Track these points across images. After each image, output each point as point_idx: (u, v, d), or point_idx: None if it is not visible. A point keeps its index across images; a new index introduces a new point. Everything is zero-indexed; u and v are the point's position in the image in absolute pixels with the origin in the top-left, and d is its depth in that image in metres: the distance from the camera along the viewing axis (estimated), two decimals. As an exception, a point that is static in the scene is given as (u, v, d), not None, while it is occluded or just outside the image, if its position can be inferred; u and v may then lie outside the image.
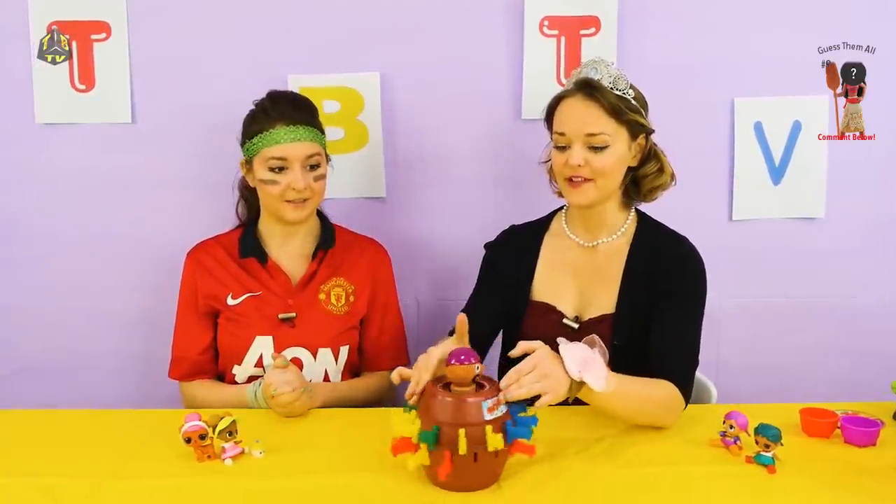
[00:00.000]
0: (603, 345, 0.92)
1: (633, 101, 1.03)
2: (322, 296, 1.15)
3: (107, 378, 1.41)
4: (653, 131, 1.07)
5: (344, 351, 1.16)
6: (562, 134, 1.04)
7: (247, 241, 1.17)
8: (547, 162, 1.13)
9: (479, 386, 0.82)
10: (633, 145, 1.05)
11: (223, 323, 1.15)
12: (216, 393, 1.14)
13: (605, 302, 1.06)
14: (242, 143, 1.14)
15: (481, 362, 0.81)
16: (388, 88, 1.35)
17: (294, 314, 1.13)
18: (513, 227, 1.17)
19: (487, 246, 1.17)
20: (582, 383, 0.85)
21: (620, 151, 1.03)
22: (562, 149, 1.05)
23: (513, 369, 0.83)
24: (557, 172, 1.07)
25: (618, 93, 1.02)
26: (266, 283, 1.15)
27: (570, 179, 1.04)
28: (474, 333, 0.93)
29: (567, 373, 0.84)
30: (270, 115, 1.11)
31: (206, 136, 1.36)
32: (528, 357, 0.85)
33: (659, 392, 0.96)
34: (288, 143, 1.09)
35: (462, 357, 0.80)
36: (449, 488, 0.80)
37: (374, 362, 1.21)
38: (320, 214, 1.22)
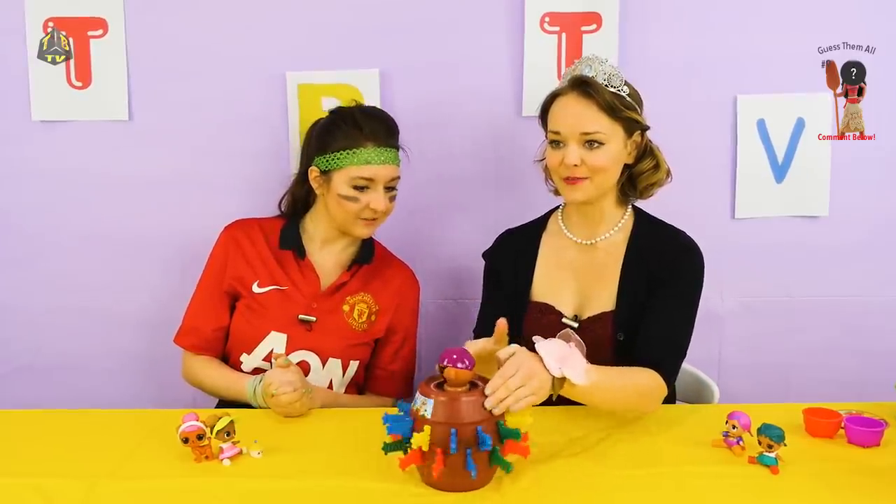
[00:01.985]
0: (579, 339, 0.92)
1: (627, 98, 1.03)
2: (346, 307, 1.15)
3: (103, 378, 1.40)
4: (648, 128, 1.06)
5: (353, 365, 1.15)
6: (557, 132, 1.03)
7: (289, 233, 1.17)
8: (541, 160, 1.12)
9: (473, 385, 0.81)
10: (629, 142, 1.05)
11: (242, 309, 1.14)
12: (218, 375, 1.13)
13: (604, 299, 1.05)
14: (321, 153, 1.11)
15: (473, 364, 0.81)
16: (388, 85, 1.34)
17: (314, 318, 1.13)
18: (508, 231, 1.17)
19: (486, 255, 1.16)
20: (563, 379, 0.85)
21: (616, 149, 1.03)
22: (557, 146, 1.04)
23: (497, 375, 0.82)
24: (553, 170, 1.06)
25: (612, 90, 1.02)
26: (295, 281, 1.15)
27: (566, 178, 1.04)
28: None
29: (547, 370, 0.84)
30: (364, 133, 1.09)
31: (203, 134, 1.35)
32: (510, 360, 0.83)
33: (638, 380, 0.96)
34: (378, 165, 1.09)
35: (455, 357, 0.80)
36: (442, 488, 0.80)
37: (379, 386, 1.21)
38: None
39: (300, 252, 1.16)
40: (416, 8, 1.32)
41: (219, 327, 1.15)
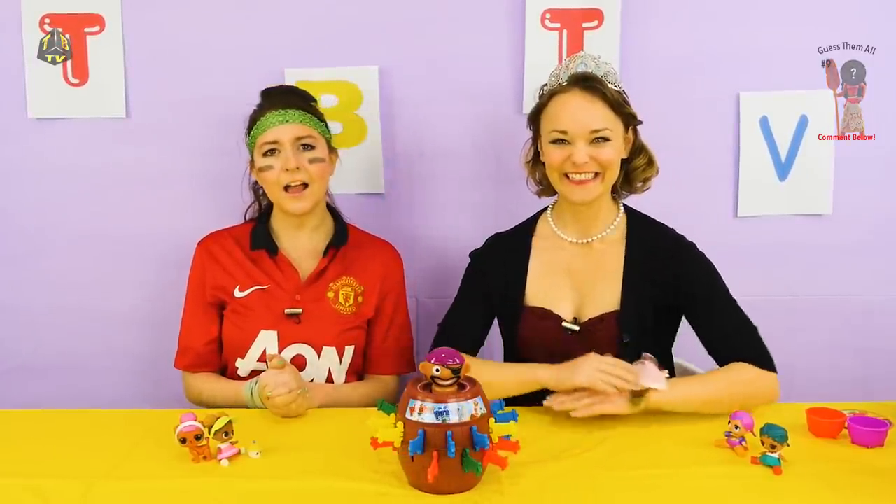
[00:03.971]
0: (651, 356, 0.96)
1: (625, 94, 1.04)
2: (330, 294, 1.14)
3: (100, 377, 1.39)
4: (641, 122, 1.06)
5: (349, 351, 1.15)
6: (563, 132, 1.02)
7: (258, 233, 1.17)
8: (528, 162, 1.12)
9: (461, 386, 0.80)
10: (626, 137, 1.05)
11: (229, 315, 1.14)
12: (217, 387, 1.13)
13: (606, 299, 1.04)
14: (246, 144, 1.17)
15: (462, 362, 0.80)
16: (387, 82, 1.33)
17: (300, 310, 1.12)
18: (497, 235, 1.15)
19: (473, 255, 1.14)
20: (642, 393, 0.92)
21: (619, 144, 1.04)
22: (561, 144, 1.03)
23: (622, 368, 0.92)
24: (555, 168, 1.05)
25: (611, 86, 1.02)
26: (274, 277, 1.15)
27: (566, 176, 1.03)
28: (463, 346, 0.92)
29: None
30: (262, 106, 1.14)
31: (201, 131, 1.35)
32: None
33: (735, 375, 0.97)
34: (278, 126, 1.11)
35: (443, 356, 0.79)
36: (432, 491, 0.79)
37: (376, 366, 1.20)
38: (333, 212, 1.22)
39: (271, 249, 1.16)
40: (416, 4, 1.31)
41: (210, 340, 1.16)
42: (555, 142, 1.03)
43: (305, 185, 1.11)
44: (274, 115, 1.11)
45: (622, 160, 1.06)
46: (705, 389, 0.96)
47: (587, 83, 1.01)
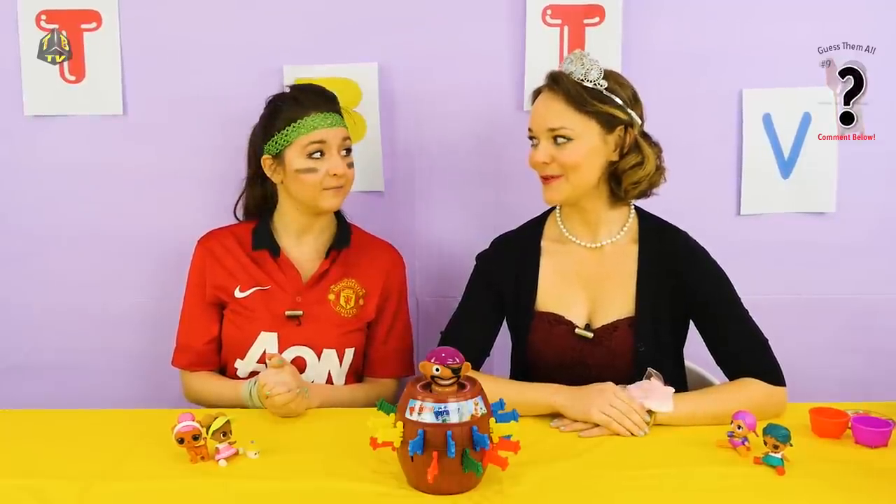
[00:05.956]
0: (657, 372, 0.95)
1: (604, 92, 0.98)
2: (331, 296, 1.14)
3: (98, 377, 1.38)
4: (631, 124, 1.00)
5: (349, 353, 1.14)
6: (530, 129, 1.02)
7: (260, 233, 1.16)
8: None
9: (461, 386, 0.80)
10: (609, 138, 1.00)
11: (229, 315, 1.14)
12: (216, 386, 1.13)
13: (619, 306, 1.02)
14: (268, 138, 1.12)
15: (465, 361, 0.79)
16: (387, 79, 1.32)
17: (301, 312, 1.12)
18: (504, 237, 1.12)
19: (480, 257, 1.12)
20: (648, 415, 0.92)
21: (591, 144, 0.99)
22: (533, 144, 1.03)
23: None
24: (533, 168, 1.03)
25: (588, 84, 0.98)
26: (276, 278, 1.14)
27: (542, 177, 1.02)
28: (468, 355, 0.89)
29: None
30: (303, 104, 1.11)
31: (199, 128, 1.34)
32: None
33: (744, 393, 0.96)
34: (326, 128, 1.10)
35: (443, 356, 0.78)
36: (432, 491, 0.78)
37: (376, 369, 1.19)
38: (337, 213, 1.21)
39: (274, 250, 1.15)
40: (415, 0, 1.30)
41: (210, 340, 1.15)
42: (530, 140, 1.03)
43: (341, 186, 1.12)
44: (320, 116, 1.09)
45: (612, 162, 1.01)
46: (712, 407, 0.94)
47: (552, 81, 1.00)
